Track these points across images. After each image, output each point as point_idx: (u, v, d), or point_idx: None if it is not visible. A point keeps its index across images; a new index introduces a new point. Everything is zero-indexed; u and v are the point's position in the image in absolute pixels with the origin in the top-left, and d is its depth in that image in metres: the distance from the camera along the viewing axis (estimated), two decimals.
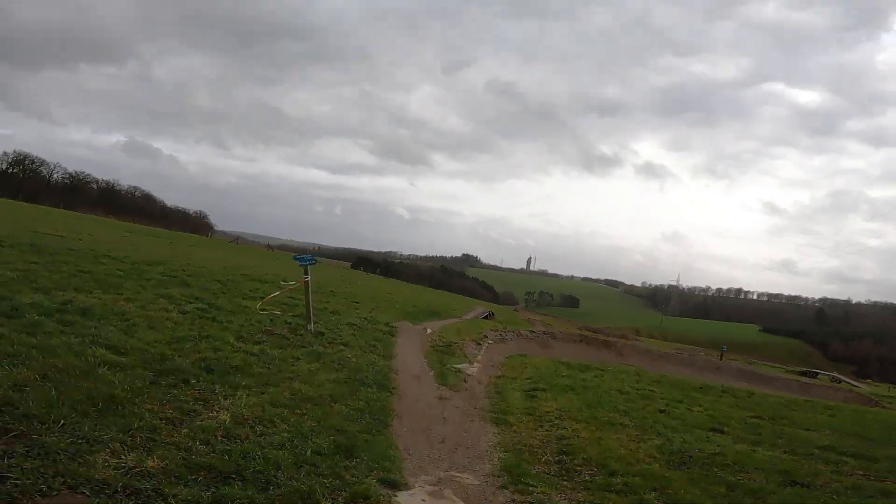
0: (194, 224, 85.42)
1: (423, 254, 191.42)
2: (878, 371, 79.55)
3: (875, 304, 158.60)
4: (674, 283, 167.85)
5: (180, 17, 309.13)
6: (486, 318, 27.79)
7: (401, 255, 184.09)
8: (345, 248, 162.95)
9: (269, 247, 68.78)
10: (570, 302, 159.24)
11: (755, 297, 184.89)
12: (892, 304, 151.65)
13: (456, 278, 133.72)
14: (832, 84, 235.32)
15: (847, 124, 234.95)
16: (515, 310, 64.51)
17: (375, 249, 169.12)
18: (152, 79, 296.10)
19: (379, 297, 22.64)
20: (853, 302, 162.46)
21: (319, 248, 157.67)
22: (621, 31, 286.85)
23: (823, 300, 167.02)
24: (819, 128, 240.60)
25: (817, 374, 44.69)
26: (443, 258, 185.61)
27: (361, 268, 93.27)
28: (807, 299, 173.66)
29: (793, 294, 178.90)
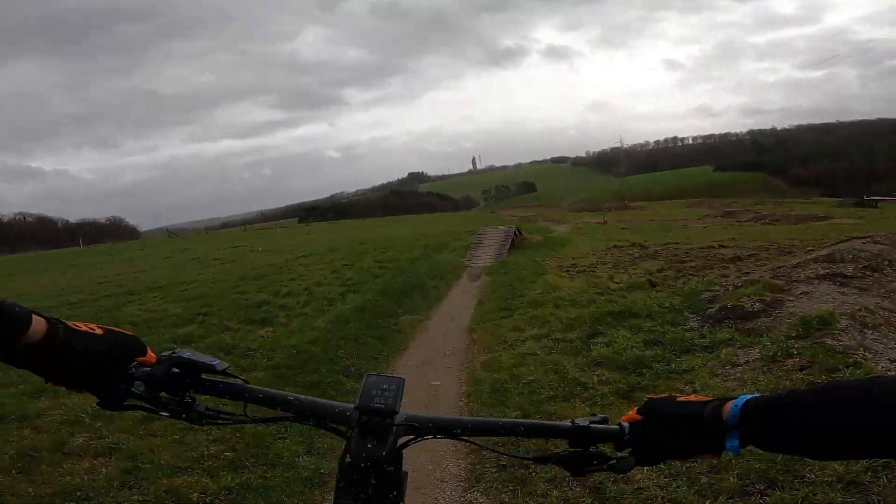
0: (111, 233, 67.89)
1: (369, 186, 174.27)
2: (848, 189, 70.59)
3: (799, 127, 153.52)
4: (617, 145, 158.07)
5: None
6: (514, 242, 12.75)
7: (348, 193, 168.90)
8: (288, 206, 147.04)
9: (168, 233, 51.69)
10: (528, 188, 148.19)
11: (691, 141, 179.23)
12: (817, 123, 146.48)
13: (410, 198, 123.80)
14: None
15: None
16: (492, 211, 50.61)
17: (320, 197, 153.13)
18: None
19: (279, 272, 7.62)
20: (779, 129, 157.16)
21: (262, 213, 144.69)
22: None
23: (752, 132, 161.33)
24: None
25: (877, 202, 33.10)
26: (391, 183, 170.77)
27: (311, 219, 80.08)
28: (737, 134, 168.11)
29: (723, 132, 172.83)
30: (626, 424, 0.68)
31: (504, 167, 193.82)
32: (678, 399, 0.67)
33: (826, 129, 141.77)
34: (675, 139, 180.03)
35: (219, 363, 0.69)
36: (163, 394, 0.67)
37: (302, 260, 11.59)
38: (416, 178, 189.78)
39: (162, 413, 0.66)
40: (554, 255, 10.65)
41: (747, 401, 0.61)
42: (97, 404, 0.66)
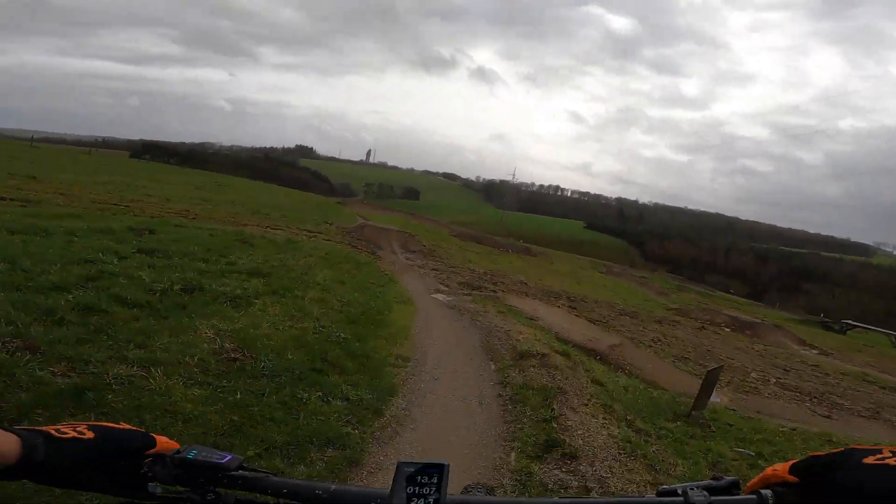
0: None
1: (248, 144, 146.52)
2: (691, 274, 70.24)
3: (657, 206, 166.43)
4: (508, 178, 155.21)
5: None
6: None
7: (220, 145, 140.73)
8: (145, 140, 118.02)
9: None
10: (411, 194, 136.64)
11: (569, 194, 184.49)
12: (669, 206, 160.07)
13: (283, 167, 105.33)
14: (640, 13, 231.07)
15: (643, 51, 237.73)
16: (339, 202, 35.83)
17: (187, 141, 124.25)
18: None
19: None
20: (640, 202, 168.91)
21: (104, 139, 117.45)
22: None
23: (619, 199, 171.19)
24: (622, 51, 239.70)
25: (848, 326, 25.90)
26: (272, 149, 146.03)
27: (147, 156, 68.42)
28: (607, 198, 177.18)
29: (596, 192, 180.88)
30: (767, 494, 0.43)
31: (396, 168, 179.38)
32: (865, 461, 0.40)
33: (676, 212, 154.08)
34: (557, 188, 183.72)
35: (230, 459, 0.59)
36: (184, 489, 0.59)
37: None
38: (303, 151, 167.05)
39: None
40: None
41: None
42: None
